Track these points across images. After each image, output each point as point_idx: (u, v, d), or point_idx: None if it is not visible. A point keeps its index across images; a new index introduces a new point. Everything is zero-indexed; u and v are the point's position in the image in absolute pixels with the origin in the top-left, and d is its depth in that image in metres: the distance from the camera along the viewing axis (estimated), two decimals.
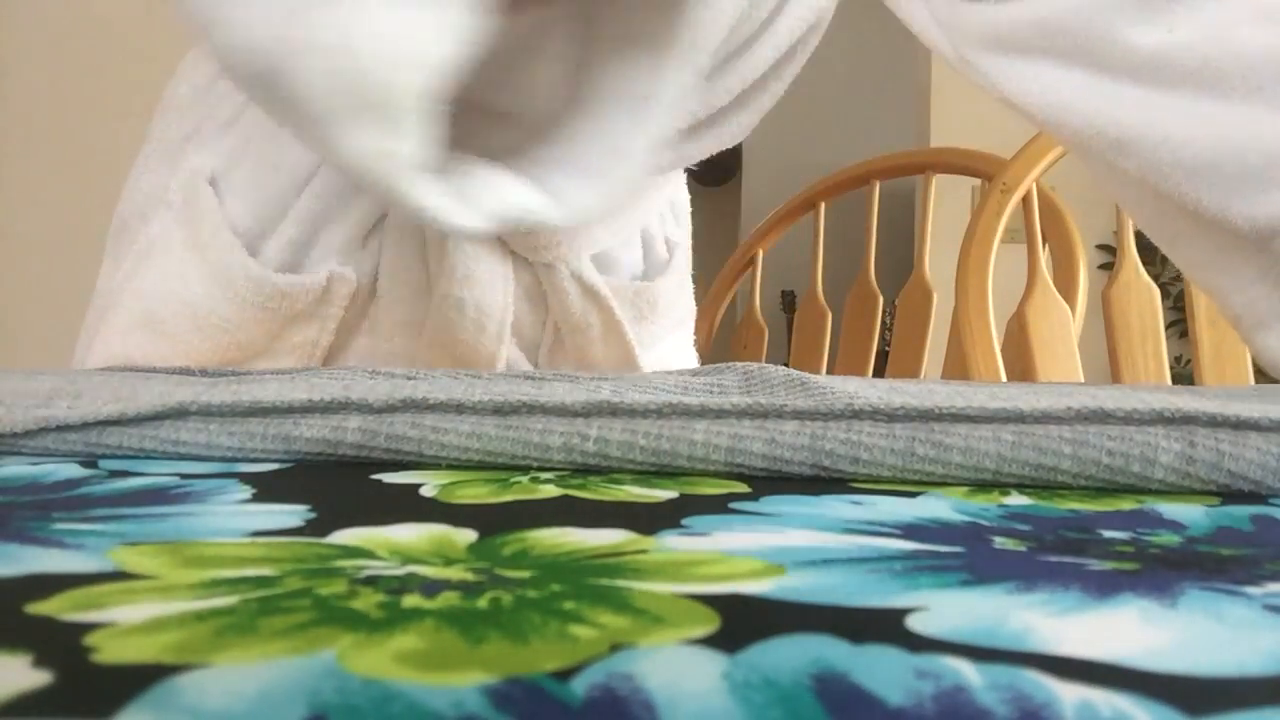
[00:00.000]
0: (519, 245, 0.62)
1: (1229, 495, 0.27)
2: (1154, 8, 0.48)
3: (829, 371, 1.34)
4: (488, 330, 0.61)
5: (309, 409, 0.30)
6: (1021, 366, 0.95)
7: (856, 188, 1.35)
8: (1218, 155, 0.49)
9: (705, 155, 0.63)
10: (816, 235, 1.37)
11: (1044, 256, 1.01)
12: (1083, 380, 0.96)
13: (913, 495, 0.27)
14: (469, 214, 0.39)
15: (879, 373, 1.38)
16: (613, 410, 0.29)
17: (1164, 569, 0.19)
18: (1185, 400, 0.29)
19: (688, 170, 0.70)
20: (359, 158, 0.34)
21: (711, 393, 0.44)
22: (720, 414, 0.29)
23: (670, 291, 0.71)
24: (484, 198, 0.40)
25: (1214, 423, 0.27)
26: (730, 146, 0.64)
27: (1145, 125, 0.49)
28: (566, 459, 0.28)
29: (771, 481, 0.28)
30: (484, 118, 0.51)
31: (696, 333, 1.47)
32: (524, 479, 0.27)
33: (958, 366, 1.06)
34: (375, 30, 0.33)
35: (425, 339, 0.60)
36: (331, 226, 0.60)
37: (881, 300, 1.31)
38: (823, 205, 1.35)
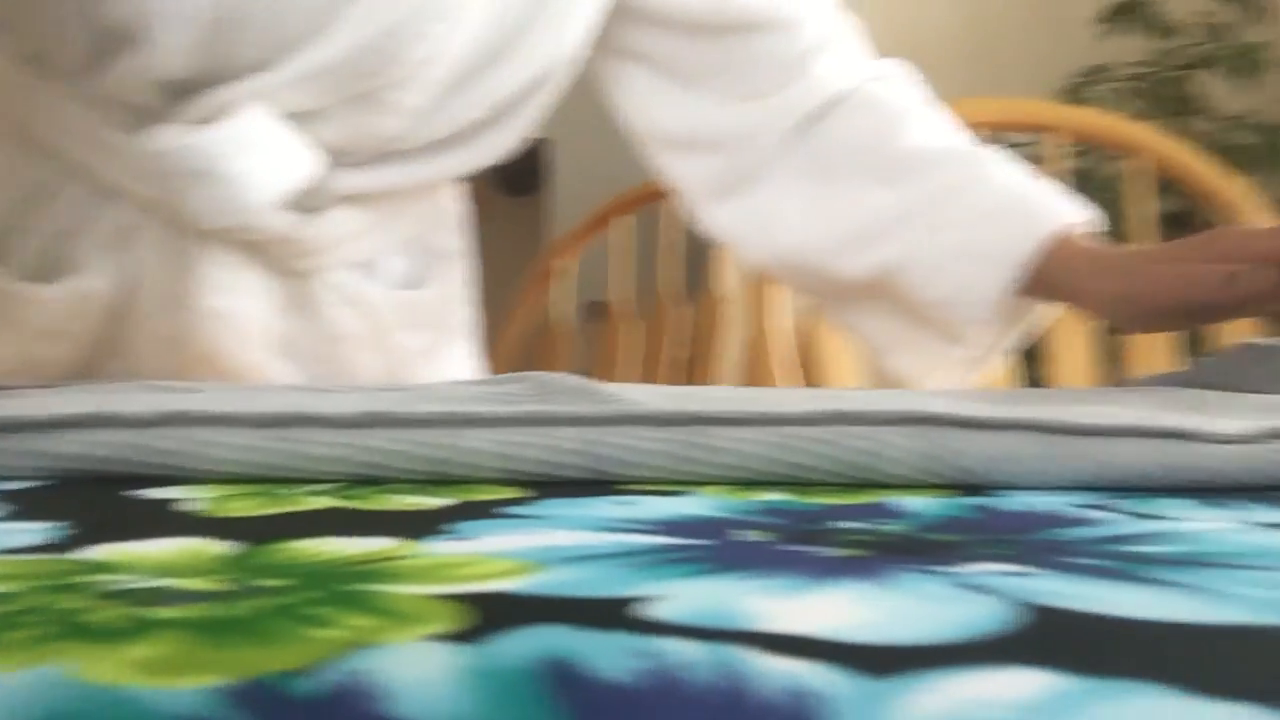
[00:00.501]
0: (277, 254, 0.61)
1: (962, 488, 0.30)
2: (798, 126, 0.67)
3: (631, 381, 1.37)
4: (252, 342, 0.60)
5: (69, 423, 0.29)
6: (816, 374, 0.99)
7: (655, 201, 1.39)
8: (826, 231, 0.67)
9: (464, 171, 0.65)
10: (617, 248, 1.40)
11: None
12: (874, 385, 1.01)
13: (680, 495, 0.28)
14: None
15: (680, 382, 1.41)
16: (390, 421, 0.29)
17: (886, 554, 0.20)
18: (926, 402, 0.32)
19: (493, 179, 0.72)
20: None
21: (504, 402, 0.44)
22: (498, 422, 0.30)
23: (442, 300, 0.71)
24: None
25: (949, 422, 0.30)
26: (498, 162, 0.66)
27: (764, 226, 0.69)
28: (343, 470, 0.29)
29: (549, 486, 0.29)
30: None
31: (500, 343, 1.47)
32: (297, 491, 0.27)
33: (753, 374, 1.10)
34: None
35: (188, 355, 0.59)
36: (80, 238, 0.58)
37: (677, 312, 1.35)
38: (622, 218, 1.38)
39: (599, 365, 1.39)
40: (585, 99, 0.71)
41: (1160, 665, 0.13)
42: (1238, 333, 0.90)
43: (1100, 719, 0.12)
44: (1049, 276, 0.62)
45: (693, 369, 1.29)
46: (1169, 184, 1.03)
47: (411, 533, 0.22)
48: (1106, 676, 0.13)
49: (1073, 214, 0.63)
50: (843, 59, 0.68)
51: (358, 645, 0.14)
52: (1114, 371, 1.00)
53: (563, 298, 1.47)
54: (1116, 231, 0.72)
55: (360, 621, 0.15)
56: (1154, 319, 0.57)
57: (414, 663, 0.13)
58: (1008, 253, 0.62)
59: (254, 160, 0.54)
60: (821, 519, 0.25)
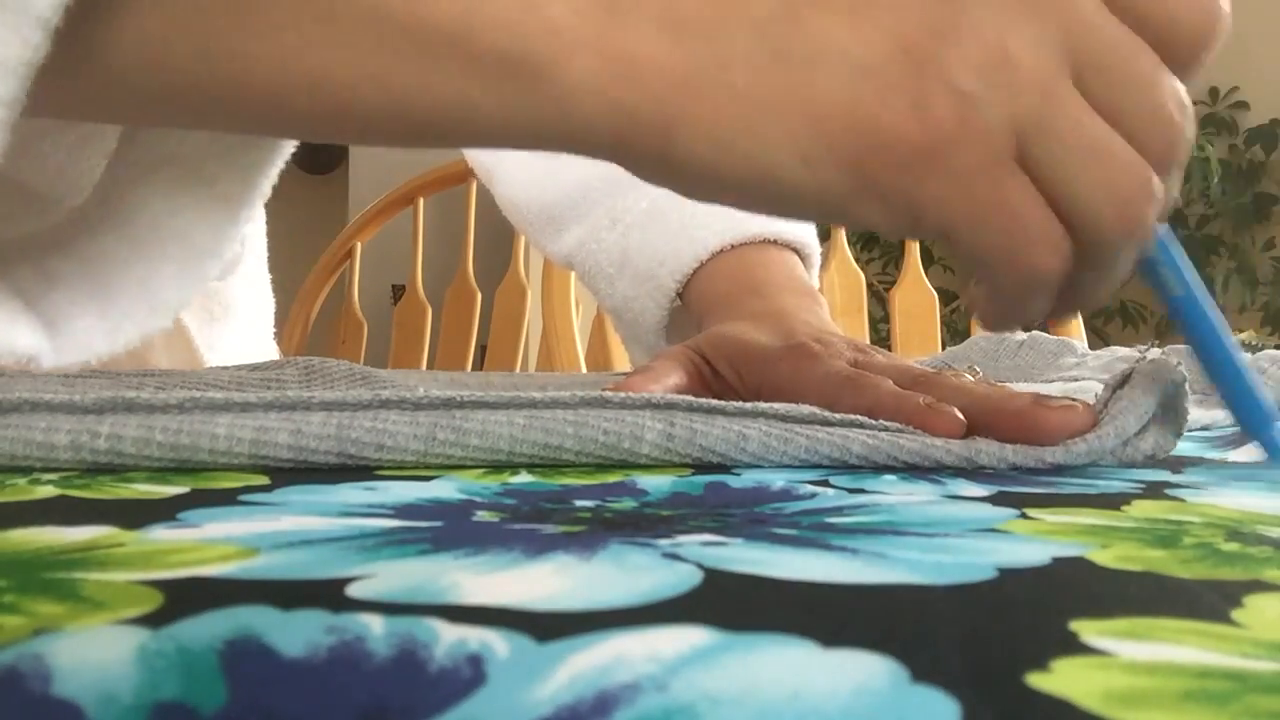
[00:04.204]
0: None
1: (702, 467, 0.32)
2: None
3: (430, 367, 1.35)
4: None
5: None
6: (603, 359, 1.01)
7: (457, 184, 1.38)
8: (537, 195, 0.59)
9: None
10: (416, 230, 1.38)
11: None
12: None
13: (430, 479, 0.29)
14: None
15: (479, 367, 1.41)
16: (128, 406, 0.29)
17: (603, 529, 0.22)
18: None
19: (291, 155, 0.69)
20: None
21: (267, 387, 0.44)
22: (245, 407, 0.30)
23: (244, 290, 0.69)
24: None
25: (690, 406, 0.32)
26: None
27: (499, 160, 0.62)
28: (75, 458, 0.28)
29: (297, 473, 0.29)
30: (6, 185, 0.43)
31: (297, 325, 1.42)
32: (22, 480, 0.26)
33: (550, 363, 1.12)
34: None
35: None
36: None
37: (480, 296, 1.34)
38: (421, 200, 1.36)
39: (403, 350, 1.37)
40: None
41: (797, 620, 0.15)
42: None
43: (732, 667, 0.13)
44: (691, 307, 0.51)
45: (492, 354, 1.29)
46: None
47: (135, 521, 0.22)
48: (748, 631, 0.14)
49: (753, 224, 0.52)
50: None
51: (40, 631, 0.14)
52: None
53: (366, 279, 1.44)
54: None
55: (50, 609, 0.15)
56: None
57: (94, 646, 0.13)
58: (665, 271, 0.52)
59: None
60: (561, 498, 0.26)
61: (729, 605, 0.16)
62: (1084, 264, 0.27)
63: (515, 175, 0.60)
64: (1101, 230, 0.26)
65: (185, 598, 0.16)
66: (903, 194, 0.25)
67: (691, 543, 0.20)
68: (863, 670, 0.13)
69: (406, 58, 0.25)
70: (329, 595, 0.16)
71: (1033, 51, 0.24)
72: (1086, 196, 0.25)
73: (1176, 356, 0.35)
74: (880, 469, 0.32)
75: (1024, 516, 0.24)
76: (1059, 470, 0.33)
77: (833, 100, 0.24)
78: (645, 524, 0.22)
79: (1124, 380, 0.33)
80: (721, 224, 0.51)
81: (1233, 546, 0.21)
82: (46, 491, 0.25)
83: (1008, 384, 0.49)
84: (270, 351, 0.76)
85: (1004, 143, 0.24)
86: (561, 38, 0.25)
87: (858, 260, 1.13)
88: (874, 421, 0.33)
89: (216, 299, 0.66)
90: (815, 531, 0.22)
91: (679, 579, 0.17)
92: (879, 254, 3.21)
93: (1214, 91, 2.57)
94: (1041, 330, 0.70)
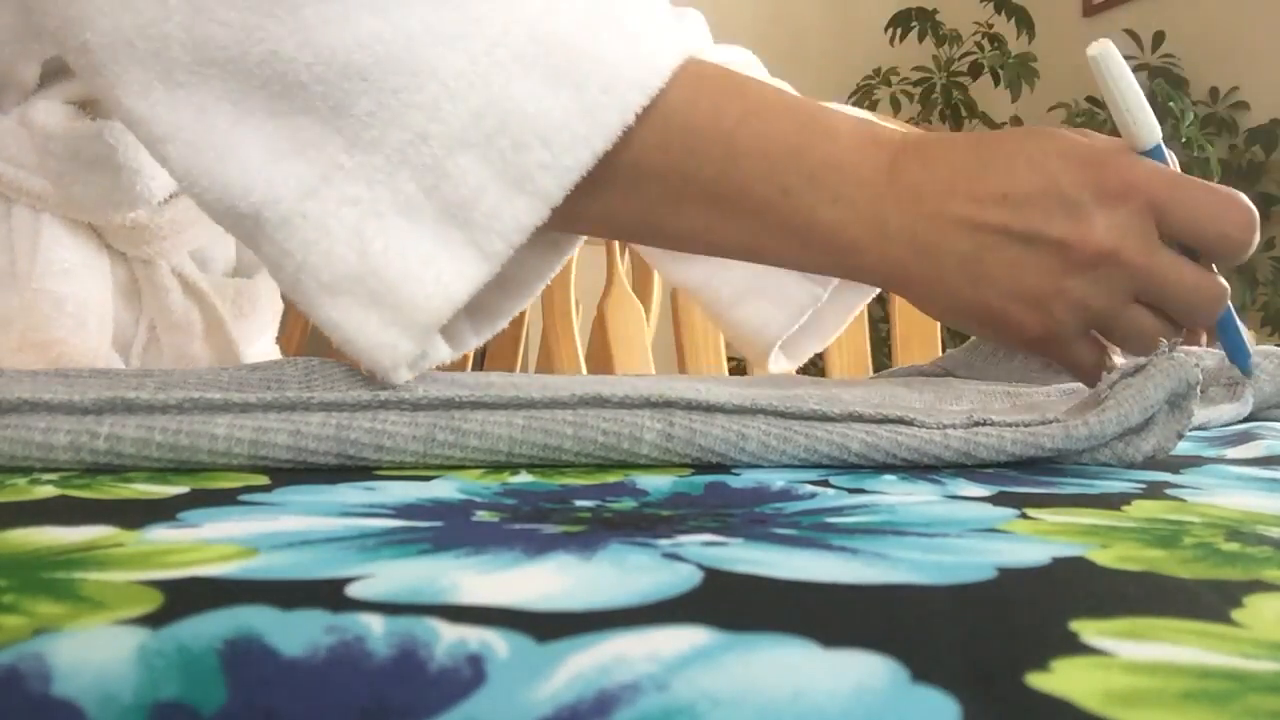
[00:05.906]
0: (117, 239, 0.59)
1: (702, 467, 0.32)
2: None
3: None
4: (88, 327, 0.58)
5: None
6: (603, 360, 1.01)
7: None
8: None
9: None
10: None
11: (625, 261, 1.09)
12: (653, 371, 1.04)
13: (429, 479, 0.29)
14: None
15: (479, 367, 1.41)
16: (127, 406, 0.28)
17: (604, 529, 0.22)
18: (672, 387, 0.34)
19: None
20: (350, 333, 0.36)
21: (267, 387, 0.44)
22: (245, 408, 0.30)
23: (268, 288, 0.71)
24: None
25: (689, 406, 0.32)
26: None
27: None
28: (75, 459, 0.28)
29: (296, 473, 0.29)
30: None
31: (294, 325, 1.42)
32: (22, 480, 0.26)
33: (548, 359, 1.11)
34: (397, 248, 0.35)
35: (14, 339, 0.55)
36: None
37: None
38: None
39: None
40: None
41: (797, 620, 0.15)
42: None
43: (732, 667, 0.13)
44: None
45: (495, 356, 1.29)
46: None
47: (135, 521, 0.22)
48: (748, 631, 0.14)
49: None
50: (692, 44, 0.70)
51: (41, 631, 0.14)
52: (884, 360, 1.06)
53: None
54: None
55: (49, 609, 0.15)
56: None
57: (94, 646, 0.13)
58: (798, 296, 0.64)
59: None
60: (561, 498, 0.26)
61: (729, 605, 0.16)
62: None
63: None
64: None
65: (185, 598, 0.16)
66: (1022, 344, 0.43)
67: (691, 543, 0.20)
68: (863, 670, 0.13)
69: (777, 238, 0.41)
70: (329, 595, 0.16)
71: (1103, 294, 0.40)
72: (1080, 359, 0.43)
73: (1195, 357, 0.34)
74: (880, 468, 0.32)
75: (1024, 516, 0.24)
76: (1059, 470, 0.33)
77: (991, 309, 0.41)
78: (645, 524, 0.22)
79: (1136, 369, 0.33)
80: None
81: (1233, 546, 0.21)
82: (46, 491, 0.25)
83: (1003, 388, 0.49)
84: (273, 352, 0.77)
85: (1075, 329, 0.41)
86: (864, 254, 0.41)
87: None
88: (874, 414, 0.33)
89: (245, 296, 0.68)
90: (815, 531, 0.22)
91: (679, 579, 0.17)
92: None
93: (1214, 91, 2.57)
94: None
